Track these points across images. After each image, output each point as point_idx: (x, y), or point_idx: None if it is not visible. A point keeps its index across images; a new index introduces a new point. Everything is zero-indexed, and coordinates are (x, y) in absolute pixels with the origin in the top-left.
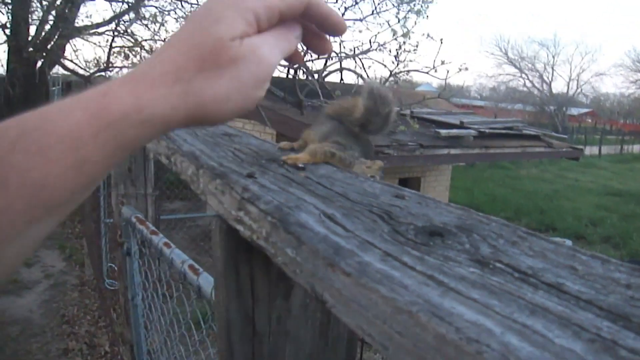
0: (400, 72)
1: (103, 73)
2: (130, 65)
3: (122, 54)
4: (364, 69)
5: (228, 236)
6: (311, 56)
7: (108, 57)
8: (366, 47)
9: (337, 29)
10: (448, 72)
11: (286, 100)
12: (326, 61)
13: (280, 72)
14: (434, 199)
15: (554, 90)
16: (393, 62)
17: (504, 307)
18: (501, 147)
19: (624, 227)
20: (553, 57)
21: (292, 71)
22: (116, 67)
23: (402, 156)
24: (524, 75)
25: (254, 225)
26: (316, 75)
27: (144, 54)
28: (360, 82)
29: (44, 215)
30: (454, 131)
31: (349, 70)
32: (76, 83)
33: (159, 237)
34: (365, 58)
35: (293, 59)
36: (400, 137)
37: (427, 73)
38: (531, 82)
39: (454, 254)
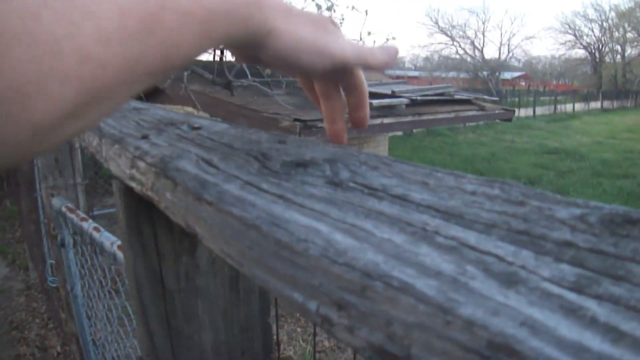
0: None
1: None
2: None
3: None
4: None
5: (126, 196)
6: None
7: None
8: None
9: (360, 122)
10: (375, 42)
11: (215, 82)
12: None
13: (208, 55)
14: (318, 142)
15: (486, 56)
16: None
17: (340, 213)
18: (434, 113)
19: (561, 182)
20: (483, 23)
21: (218, 52)
22: None
23: None
24: (455, 43)
25: (142, 179)
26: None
27: None
28: None
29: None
30: (386, 101)
31: None
32: None
33: (88, 223)
34: None
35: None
36: None
37: (358, 42)
38: (463, 49)
39: (312, 179)
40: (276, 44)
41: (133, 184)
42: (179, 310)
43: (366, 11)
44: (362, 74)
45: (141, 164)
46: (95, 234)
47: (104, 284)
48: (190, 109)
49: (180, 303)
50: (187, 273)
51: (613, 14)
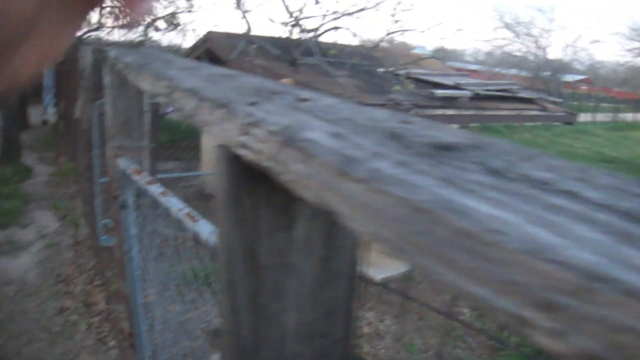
0: (396, 31)
1: (94, 33)
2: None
3: (113, 15)
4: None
5: (231, 164)
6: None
7: (99, 17)
8: (362, 6)
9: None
10: (444, 33)
11: (280, 58)
12: (322, 19)
13: (276, 31)
14: (444, 124)
15: (549, 56)
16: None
17: (522, 204)
18: (496, 109)
19: None
20: (550, 22)
21: (287, 29)
22: (107, 27)
23: None
24: (519, 40)
25: (259, 147)
26: (311, 34)
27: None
28: (356, 41)
29: None
30: (449, 92)
31: (345, 29)
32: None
33: (155, 186)
34: (360, 17)
35: None
36: (395, 96)
37: (423, 32)
38: (526, 47)
39: (466, 165)
40: None
41: (244, 152)
42: (268, 288)
43: None
44: None
45: (258, 132)
46: (162, 199)
47: (163, 249)
48: None
49: (270, 280)
50: (281, 249)
51: None
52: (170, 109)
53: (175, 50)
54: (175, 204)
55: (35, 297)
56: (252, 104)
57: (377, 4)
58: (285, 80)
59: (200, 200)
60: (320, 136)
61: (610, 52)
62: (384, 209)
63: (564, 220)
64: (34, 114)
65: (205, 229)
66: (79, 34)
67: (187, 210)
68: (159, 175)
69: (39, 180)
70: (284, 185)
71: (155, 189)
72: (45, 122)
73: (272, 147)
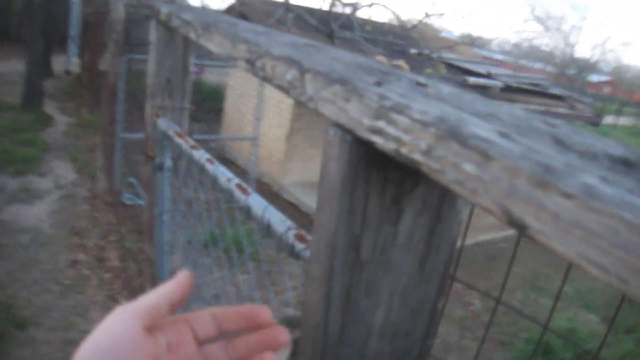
0: (434, 14)
1: None
2: None
3: None
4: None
5: (352, 149)
6: None
7: None
8: None
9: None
10: (478, 21)
11: (319, 29)
12: None
13: (316, 2)
14: (585, 130)
15: (577, 55)
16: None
17: None
18: (526, 102)
19: None
20: (582, 20)
21: (327, 1)
22: None
23: None
24: (548, 35)
25: (405, 137)
26: (349, 9)
27: None
28: (395, 20)
29: None
30: (482, 80)
31: (382, 5)
32: None
33: (200, 152)
34: None
35: None
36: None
37: (463, 18)
38: (555, 42)
39: None
40: None
41: (378, 139)
42: (363, 283)
43: None
44: None
45: (401, 119)
46: (209, 166)
47: (203, 218)
48: None
49: (367, 275)
50: (384, 244)
51: None
52: (196, 69)
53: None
54: (224, 173)
55: (48, 248)
56: (378, 84)
57: None
58: (381, 59)
59: (229, 163)
60: (489, 134)
61: (638, 56)
62: (604, 233)
63: None
64: (57, 63)
65: (259, 204)
66: None
67: (237, 181)
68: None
69: (58, 129)
70: (437, 183)
71: (202, 155)
72: (68, 72)
73: (426, 139)
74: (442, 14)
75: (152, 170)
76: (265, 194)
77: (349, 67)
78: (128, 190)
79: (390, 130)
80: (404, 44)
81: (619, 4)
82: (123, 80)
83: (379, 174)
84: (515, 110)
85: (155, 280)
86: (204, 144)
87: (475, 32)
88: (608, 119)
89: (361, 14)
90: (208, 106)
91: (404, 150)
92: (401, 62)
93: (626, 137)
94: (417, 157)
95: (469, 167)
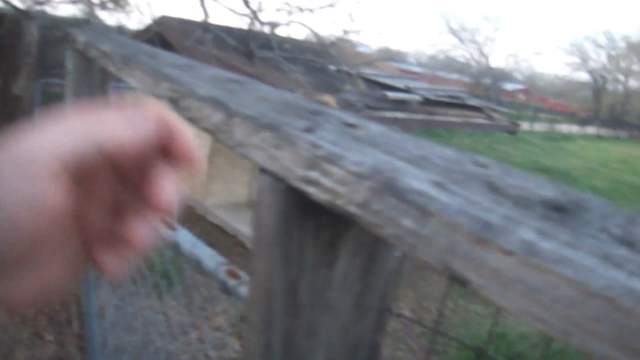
0: (353, 31)
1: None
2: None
3: None
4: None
5: (284, 198)
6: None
7: None
8: (320, 3)
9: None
10: (394, 35)
11: (238, 50)
12: (277, 14)
13: (233, 21)
14: (513, 168)
15: (492, 64)
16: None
17: None
18: (445, 114)
19: None
20: (494, 31)
21: (245, 21)
22: (54, 1)
23: None
24: (463, 46)
25: (340, 190)
26: (268, 28)
27: None
28: (313, 37)
29: None
30: (401, 95)
31: (301, 24)
32: (10, 17)
33: None
34: (317, 14)
35: None
36: (347, 96)
37: (380, 34)
38: (470, 53)
39: (596, 233)
40: None
41: (312, 190)
42: (303, 326)
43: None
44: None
45: (335, 170)
46: None
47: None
48: None
49: (306, 318)
50: (321, 287)
51: (623, 44)
52: (123, 84)
53: (121, 31)
54: None
55: None
56: (308, 130)
57: (335, 1)
58: (326, 99)
59: None
60: (425, 186)
61: (550, 64)
62: (545, 289)
63: None
64: None
65: (187, 240)
66: (21, 6)
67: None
68: None
69: None
70: (373, 234)
71: None
72: None
73: (362, 192)
74: (359, 31)
75: None
76: (189, 217)
77: (277, 108)
78: None
79: (325, 181)
80: (323, 62)
81: (530, 14)
82: (39, 105)
83: (313, 220)
84: (445, 151)
85: (82, 316)
86: None
87: (393, 46)
88: (524, 126)
89: (280, 31)
90: None
91: (339, 202)
92: (327, 97)
93: (542, 142)
94: (354, 209)
95: (407, 222)
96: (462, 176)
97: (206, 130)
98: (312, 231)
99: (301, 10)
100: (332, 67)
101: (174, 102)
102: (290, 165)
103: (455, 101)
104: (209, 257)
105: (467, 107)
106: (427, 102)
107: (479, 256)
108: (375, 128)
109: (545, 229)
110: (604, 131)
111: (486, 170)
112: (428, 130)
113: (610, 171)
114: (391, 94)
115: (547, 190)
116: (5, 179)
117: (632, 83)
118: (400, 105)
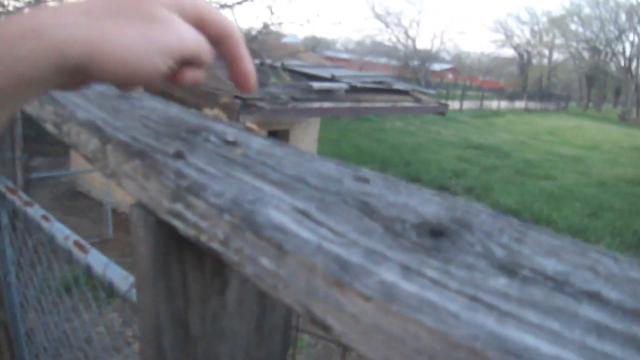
0: (274, 24)
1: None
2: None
3: None
4: (235, 19)
5: (156, 231)
6: None
7: None
8: None
9: (243, 80)
10: (324, 26)
11: None
12: None
13: None
14: (400, 181)
15: (418, 46)
16: (265, 15)
17: (569, 330)
18: (372, 101)
19: (485, 178)
20: (419, 13)
21: None
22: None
23: (274, 110)
24: (389, 30)
25: (202, 224)
26: None
27: None
28: None
29: None
30: (326, 84)
31: None
32: None
33: (34, 208)
34: (237, 9)
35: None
36: (272, 89)
37: (302, 26)
38: (396, 37)
39: (473, 260)
40: (102, 66)
41: (179, 224)
42: (200, 357)
43: None
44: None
45: (198, 203)
46: (45, 224)
47: (51, 283)
48: None
49: (202, 349)
50: (214, 315)
51: (545, 18)
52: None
53: None
54: (61, 231)
55: None
56: (178, 155)
57: None
58: (209, 112)
59: (72, 199)
60: (286, 218)
61: (475, 43)
62: (406, 338)
63: (619, 352)
64: None
65: (99, 261)
66: None
67: (74, 238)
68: (37, 175)
69: None
70: (243, 276)
71: (36, 212)
72: None
73: (222, 228)
74: (281, 23)
75: None
76: (123, 224)
77: (156, 128)
78: None
79: (189, 215)
80: None
81: None
82: None
83: (193, 250)
84: (326, 167)
85: (12, 344)
86: (53, 180)
87: (319, 34)
88: (454, 104)
89: None
90: (52, 139)
91: (203, 238)
92: (216, 111)
93: (473, 119)
94: (217, 246)
95: (265, 262)
96: (334, 198)
97: (85, 157)
98: (194, 261)
99: (221, 6)
100: (256, 61)
101: (58, 128)
102: (157, 196)
103: (381, 87)
104: (121, 278)
105: (394, 91)
106: (353, 90)
107: (338, 301)
108: (256, 144)
109: (413, 264)
110: (532, 104)
111: (365, 187)
112: (358, 117)
113: (541, 143)
114: (316, 84)
115: (430, 207)
116: None
117: (556, 56)
118: (327, 94)
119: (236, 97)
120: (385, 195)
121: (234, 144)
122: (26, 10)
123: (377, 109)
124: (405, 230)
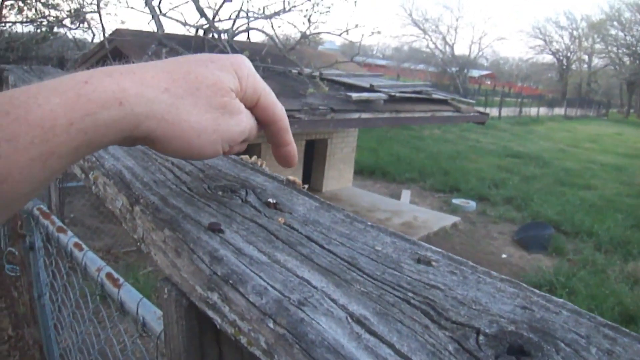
0: (312, 34)
1: None
2: (25, 19)
3: (16, 7)
4: (274, 29)
5: (190, 315)
6: (219, 15)
7: (0, 10)
8: (278, 7)
9: (285, 160)
10: (362, 35)
11: None
12: (235, 20)
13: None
14: (465, 262)
15: (456, 52)
16: (304, 24)
17: None
18: (411, 111)
19: (525, 188)
20: (457, 20)
21: (201, 31)
22: (9, 21)
23: (313, 120)
24: (427, 37)
25: (242, 325)
26: (225, 36)
27: (39, 6)
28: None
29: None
30: (365, 95)
31: (259, 30)
32: None
33: (67, 235)
34: (276, 18)
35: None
36: (311, 100)
37: (340, 36)
38: (434, 43)
39: None
40: (168, 143)
41: (215, 317)
42: None
43: (355, 1)
44: (274, 111)
45: (236, 298)
46: (77, 253)
47: (84, 310)
48: None
49: None
50: None
51: (584, 23)
52: None
53: (81, 46)
54: (93, 261)
55: None
56: (213, 228)
57: (293, 6)
58: (246, 158)
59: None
60: (340, 332)
61: (514, 48)
62: None
63: None
64: None
65: (131, 297)
66: None
67: (107, 270)
68: (68, 184)
69: None
70: None
71: (68, 240)
72: None
73: (265, 336)
74: (319, 33)
75: (23, 250)
76: None
77: (189, 184)
78: (9, 260)
79: (225, 310)
80: (285, 65)
81: (491, 1)
82: None
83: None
84: (382, 242)
85: None
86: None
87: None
88: (493, 111)
89: (238, 39)
90: None
91: (243, 341)
92: (254, 158)
93: (512, 126)
94: (260, 354)
95: None
96: (394, 298)
97: (115, 215)
98: (232, 343)
99: (258, 16)
100: (294, 71)
101: (85, 174)
102: (190, 279)
103: (421, 96)
104: (155, 318)
105: (433, 100)
106: (392, 100)
107: None
108: (301, 207)
109: None
110: (571, 111)
111: (428, 274)
112: (397, 126)
113: (581, 151)
114: (355, 95)
115: (504, 303)
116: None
117: (596, 61)
118: (366, 105)
119: None
120: (451, 287)
121: (275, 207)
122: (110, 69)
123: (416, 119)
124: (480, 347)
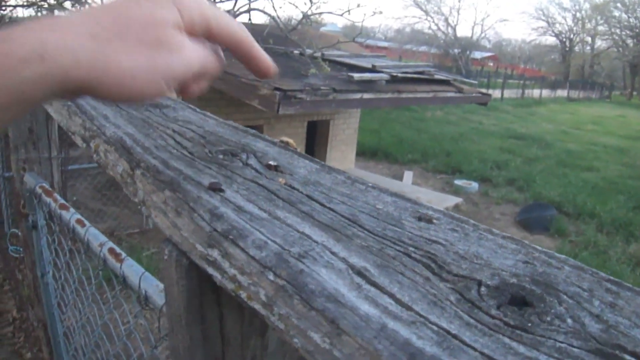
0: (313, 14)
1: None
2: (26, 3)
3: None
4: (275, 10)
5: (190, 274)
6: None
7: None
8: None
9: (262, 74)
10: (364, 15)
11: None
12: (236, 1)
13: None
14: (466, 220)
15: (459, 34)
16: (305, 4)
17: None
18: (413, 91)
19: (527, 170)
20: (459, 1)
21: None
22: (9, 5)
23: (315, 101)
24: (429, 18)
25: (241, 279)
26: None
27: None
28: (272, 23)
29: None
30: (367, 75)
31: (260, 11)
32: None
33: (69, 212)
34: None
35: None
36: (313, 80)
37: (342, 16)
38: (436, 25)
39: (565, 341)
40: (106, 89)
41: (215, 274)
42: None
43: None
44: (231, 28)
45: (236, 253)
46: (79, 229)
47: (86, 287)
48: None
49: None
50: (253, 357)
51: (587, 5)
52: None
53: None
54: (96, 237)
55: None
56: (214, 187)
57: None
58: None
59: (112, 189)
60: (341, 283)
61: (516, 30)
62: None
63: None
64: None
65: (133, 271)
66: None
67: (109, 245)
68: (70, 167)
69: None
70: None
71: (71, 216)
72: None
73: (265, 289)
74: (321, 14)
75: (26, 229)
76: None
77: (190, 148)
78: (13, 242)
79: (225, 265)
80: (286, 47)
81: None
82: None
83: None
84: (383, 201)
85: (50, 344)
86: (93, 170)
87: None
88: (495, 93)
89: (239, 20)
90: None
91: (242, 295)
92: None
93: (514, 108)
94: (258, 307)
95: (317, 338)
96: (395, 252)
97: (116, 179)
98: (233, 302)
99: None
100: (296, 52)
101: (86, 142)
102: (190, 238)
103: (423, 77)
104: (157, 291)
105: (435, 81)
106: (394, 80)
107: None
108: (302, 169)
109: (496, 354)
110: (574, 93)
111: (429, 231)
112: (399, 107)
113: (584, 133)
114: (357, 75)
115: (505, 258)
116: None
117: (599, 43)
118: (368, 85)
119: (276, 88)
120: (452, 243)
121: (276, 169)
122: (29, 22)
123: (418, 100)
124: (482, 298)
